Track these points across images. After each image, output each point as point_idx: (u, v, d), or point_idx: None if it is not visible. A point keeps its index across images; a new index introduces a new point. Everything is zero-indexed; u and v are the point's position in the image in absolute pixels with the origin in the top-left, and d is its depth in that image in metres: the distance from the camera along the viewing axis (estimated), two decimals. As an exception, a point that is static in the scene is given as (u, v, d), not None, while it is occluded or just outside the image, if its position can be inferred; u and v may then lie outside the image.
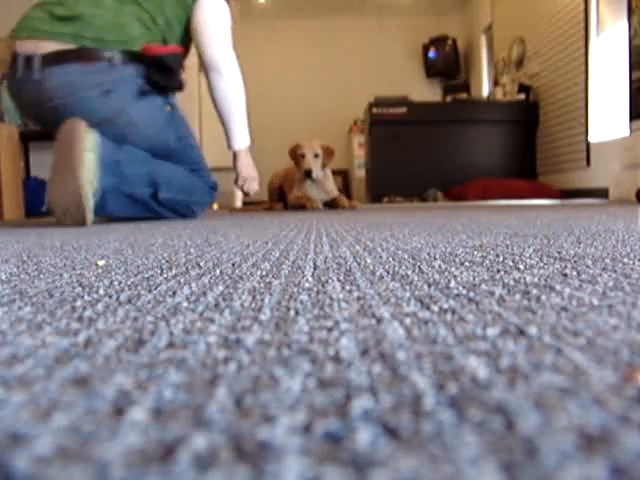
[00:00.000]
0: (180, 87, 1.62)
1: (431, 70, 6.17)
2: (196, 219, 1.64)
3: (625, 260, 0.45)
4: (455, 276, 0.39)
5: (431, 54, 6.07)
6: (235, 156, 1.77)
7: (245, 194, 1.84)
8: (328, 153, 2.61)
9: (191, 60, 1.80)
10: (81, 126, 1.32)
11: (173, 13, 1.58)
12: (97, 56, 1.49)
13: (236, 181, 1.81)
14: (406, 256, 0.51)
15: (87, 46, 1.48)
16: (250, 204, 3.76)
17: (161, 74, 1.56)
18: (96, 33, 1.49)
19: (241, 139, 1.73)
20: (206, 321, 0.27)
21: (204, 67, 1.67)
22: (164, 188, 1.52)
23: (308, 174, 2.56)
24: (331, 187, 2.66)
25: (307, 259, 0.51)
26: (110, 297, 0.34)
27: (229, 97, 1.67)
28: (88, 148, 1.32)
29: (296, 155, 2.62)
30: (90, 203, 1.31)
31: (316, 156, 2.59)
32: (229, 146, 1.75)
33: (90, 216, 1.31)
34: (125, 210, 1.48)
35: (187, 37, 1.65)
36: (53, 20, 1.49)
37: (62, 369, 0.20)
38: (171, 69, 1.56)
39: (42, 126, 1.62)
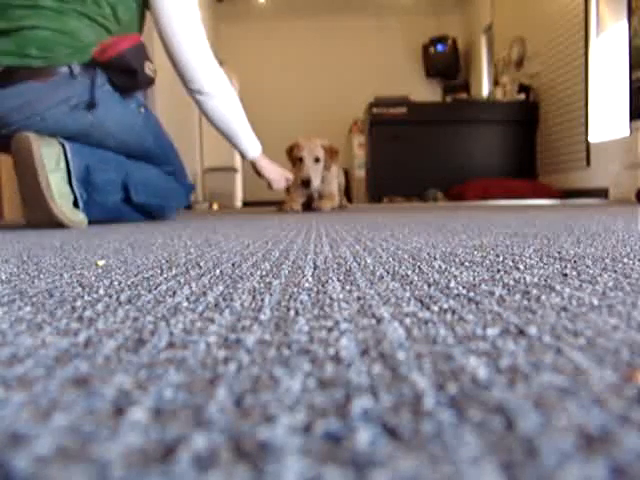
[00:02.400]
0: (150, 82, 1.43)
1: (431, 70, 6.17)
2: (169, 220, 1.60)
3: (625, 260, 0.45)
4: (455, 276, 0.39)
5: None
6: (253, 165, 1.74)
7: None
8: (331, 154, 2.23)
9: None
10: (35, 145, 1.18)
11: None
12: (51, 73, 1.30)
13: (270, 187, 1.83)
14: (406, 256, 0.51)
15: (35, 65, 1.28)
16: (252, 204, 3.75)
17: (124, 75, 1.37)
18: (42, 48, 1.29)
19: (252, 148, 1.67)
20: (206, 321, 0.27)
21: (186, 88, 1.51)
22: (139, 192, 1.45)
23: (306, 184, 2.17)
24: (330, 192, 2.29)
25: (307, 259, 0.51)
26: (110, 297, 0.34)
27: (226, 116, 1.55)
28: (51, 169, 1.21)
29: (293, 156, 2.22)
30: (73, 217, 1.26)
31: (317, 160, 2.18)
32: (243, 157, 1.70)
33: (80, 220, 1.29)
34: (98, 215, 1.43)
35: (140, 16, 1.44)
36: None
37: (62, 369, 0.20)
38: (134, 67, 1.36)
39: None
